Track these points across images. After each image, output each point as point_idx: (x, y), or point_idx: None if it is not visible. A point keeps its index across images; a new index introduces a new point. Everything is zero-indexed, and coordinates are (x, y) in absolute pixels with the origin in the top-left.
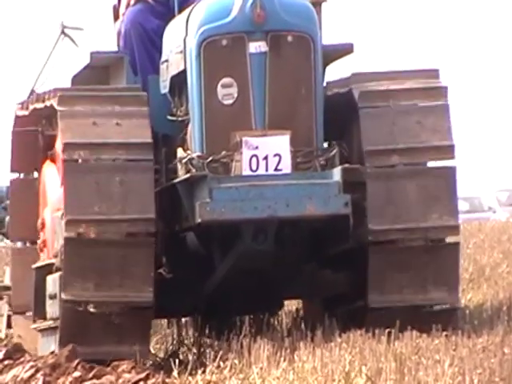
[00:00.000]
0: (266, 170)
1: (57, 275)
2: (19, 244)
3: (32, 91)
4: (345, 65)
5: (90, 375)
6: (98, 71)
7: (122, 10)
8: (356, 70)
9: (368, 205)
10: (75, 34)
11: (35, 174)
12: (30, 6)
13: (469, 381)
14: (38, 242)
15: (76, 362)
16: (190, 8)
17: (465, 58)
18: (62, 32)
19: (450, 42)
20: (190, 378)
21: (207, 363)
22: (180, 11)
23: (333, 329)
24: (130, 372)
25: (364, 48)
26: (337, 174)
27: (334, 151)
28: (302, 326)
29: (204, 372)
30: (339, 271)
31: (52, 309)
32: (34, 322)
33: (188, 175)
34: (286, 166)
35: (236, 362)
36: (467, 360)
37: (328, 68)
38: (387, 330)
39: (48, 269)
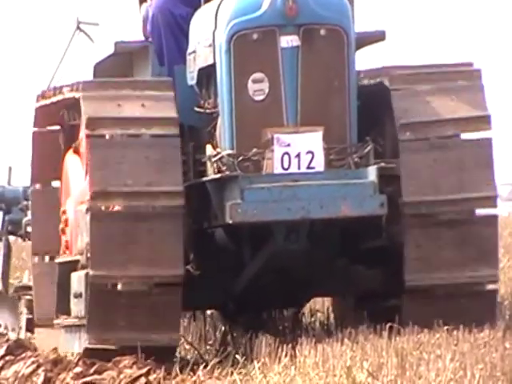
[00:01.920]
0: (299, 167)
1: (82, 273)
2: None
3: (49, 86)
4: (375, 51)
5: (91, 371)
6: (121, 58)
7: None
8: (387, 56)
9: (402, 178)
10: (91, 30)
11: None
12: (45, 1)
13: (470, 376)
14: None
15: (77, 357)
16: (219, 0)
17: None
18: (78, 27)
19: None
20: (191, 373)
21: (208, 358)
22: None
23: (332, 325)
24: (131, 367)
25: (395, 36)
26: (372, 173)
27: (369, 148)
28: (304, 321)
29: (205, 367)
30: (372, 268)
31: (77, 307)
32: (57, 317)
33: (219, 175)
34: (319, 164)
35: (238, 357)
36: (468, 355)
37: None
38: (388, 325)
39: (72, 266)
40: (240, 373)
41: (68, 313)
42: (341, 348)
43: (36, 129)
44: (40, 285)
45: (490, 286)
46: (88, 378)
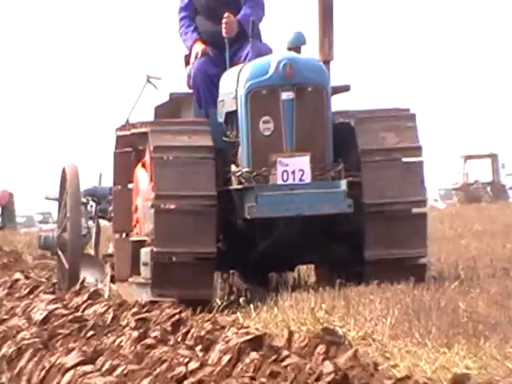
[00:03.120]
0: (294, 180)
1: (148, 249)
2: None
3: (127, 120)
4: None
5: (144, 310)
6: (173, 103)
7: (192, 59)
8: (351, 102)
9: (363, 187)
10: (156, 82)
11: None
12: (124, 62)
13: (391, 312)
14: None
15: (134, 301)
16: (240, 67)
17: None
18: (147, 80)
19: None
20: (208, 312)
21: (221, 303)
22: (231, 64)
23: (302, 279)
24: (169, 308)
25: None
26: (343, 184)
27: (340, 166)
28: (284, 277)
29: (218, 308)
30: (342, 245)
31: (145, 272)
32: (131, 276)
33: (240, 186)
34: (307, 177)
35: (240, 301)
36: (391, 299)
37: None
38: (338, 281)
39: (141, 243)
40: (241, 312)
41: (139, 274)
42: (307, 295)
43: (117, 150)
44: (119, 253)
45: (421, 260)
46: (141, 315)
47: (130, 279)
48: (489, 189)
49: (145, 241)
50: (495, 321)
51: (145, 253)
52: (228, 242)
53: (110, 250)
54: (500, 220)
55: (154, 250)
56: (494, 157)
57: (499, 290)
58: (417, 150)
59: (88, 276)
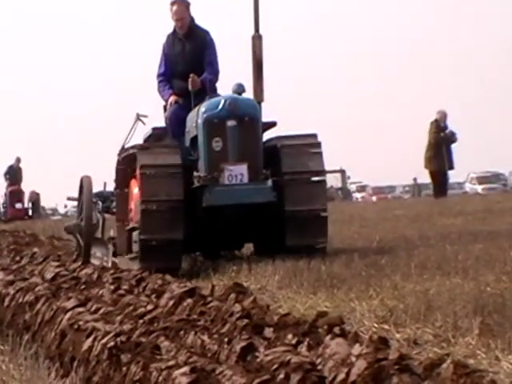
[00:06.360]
0: (236, 181)
1: (137, 232)
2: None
3: (123, 146)
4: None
5: (118, 272)
6: (155, 134)
7: (167, 107)
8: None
9: (282, 163)
10: (144, 118)
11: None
12: (118, 106)
13: (278, 272)
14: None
15: (111, 265)
16: (200, 105)
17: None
18: (137, 117)
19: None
20: (159, 273)
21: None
22: (195, 106)
23: (250, 254)
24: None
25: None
26: (269, 183)
27: (268, 172)
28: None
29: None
30: (269, 218)
31: (135, 249)
32: (127, 254)
33: (199, 184)
34: (245, 179)
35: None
36: (278, 264)
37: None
38: (247, 254)
39: (133, 230)
40: (183, 274)
41: (131, 251)
42: (224, 263)
43: (118, 167)
44: (119, 237)
45: (323, 213)
46: (116, 275)
47: (126, 256)
48: (339, 192)
49: (135, 227)
50: (344, 277)
51: (135, 234)
52: (193, 230)
53: (112, 233)
54: (346, 212)
55: (141, 236)
56: (343, 171)
57: (347, 257)
58: (317, 145)
59: (97, 252)
